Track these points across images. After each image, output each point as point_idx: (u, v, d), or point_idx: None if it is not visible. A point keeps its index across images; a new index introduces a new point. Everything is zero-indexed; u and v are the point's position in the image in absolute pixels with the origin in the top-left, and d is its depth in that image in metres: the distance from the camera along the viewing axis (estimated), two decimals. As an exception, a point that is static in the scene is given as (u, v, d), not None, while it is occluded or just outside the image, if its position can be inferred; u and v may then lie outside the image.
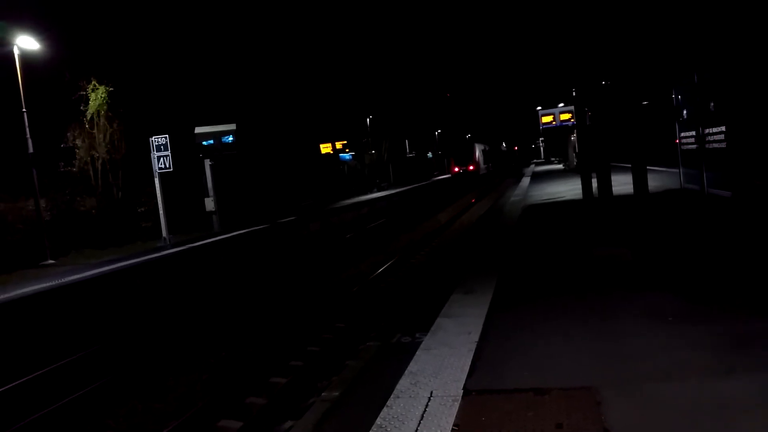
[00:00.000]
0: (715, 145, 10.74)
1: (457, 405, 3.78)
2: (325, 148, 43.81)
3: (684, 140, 13.06)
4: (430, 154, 77.79)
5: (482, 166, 55.81)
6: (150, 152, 19.26)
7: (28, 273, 15.32)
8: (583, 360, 4.30)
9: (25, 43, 17.48)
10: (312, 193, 37.84)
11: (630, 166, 10.48)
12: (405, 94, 64.49)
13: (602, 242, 8.79)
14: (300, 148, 40.16)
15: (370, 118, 51.12)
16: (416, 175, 61.96)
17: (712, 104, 10.85)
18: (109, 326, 11.29)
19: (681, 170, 13.87)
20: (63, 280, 12.80)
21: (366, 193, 42.13)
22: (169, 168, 19.08)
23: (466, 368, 4.37)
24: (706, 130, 11.21)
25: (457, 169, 55.06)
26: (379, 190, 44.68)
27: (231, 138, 22.88)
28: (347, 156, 45.72)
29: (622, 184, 13.79)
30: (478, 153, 54.66)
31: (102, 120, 21.65)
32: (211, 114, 26.10)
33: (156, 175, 19.18)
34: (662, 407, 3.46)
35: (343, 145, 44.42)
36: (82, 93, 21.39)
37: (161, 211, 19.28)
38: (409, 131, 63.89)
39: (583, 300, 5.93)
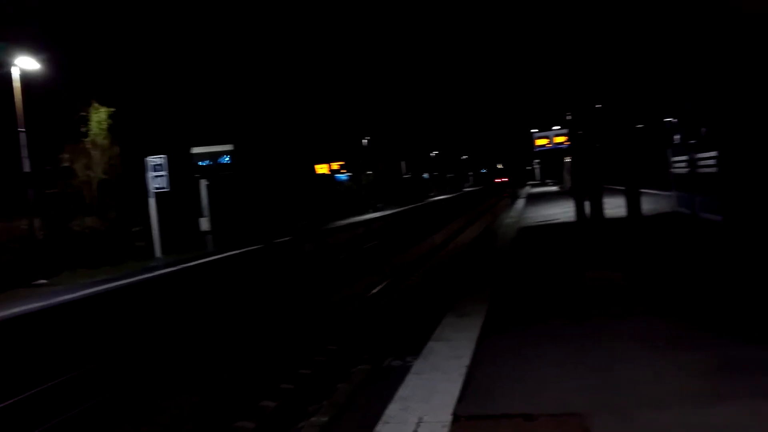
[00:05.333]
0: (707, 170, 10.81)
1: (446, 431, 3.74)
2: (321, 169, 43.94)
3: (676, 164, 13.15)
4: (426, 175, 78.11)
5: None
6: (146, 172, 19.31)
7: (19, 293, 15.19)
8: (573, 385, 4.27)
9: (25, 63, 17.54)
10: (308, 214, 37.79)
11: (624, 188, 10.53)
12: (401, 115, 65.02)
13: (594, 265, 8.79)
14: (296, 168, 40.23)
15: (367, 140, 51.36)
16: (412, 196, 62.03)
17: (703, 129, 10.95)
18: (96, 347, 11.17)
19: (674, 194, 13.94)
20: (52, 301, 12.70)
21: (362, 214, 42.10)
22: (165, 188, 19.11)
23: (456, 393, 4.33)
24: (698, 155, 11.29)
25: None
26: (374, 211, 44.67)
27: (227, 158, 22.96)
28: (343, 176, 45.84)
29: (615, 206, 13.84)
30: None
31: (101, 140, 21.66)
32: (208, 134, 26.17)
33: (151, 194, 19.20)
34: (652, 434, 3.42)
35: (339, 165, 44.58)
36: (82, 114, 21.43)
37: (155, 231, 19.25)
38: (405, 153, 64.27)
39: (575, 324, 5.91)
